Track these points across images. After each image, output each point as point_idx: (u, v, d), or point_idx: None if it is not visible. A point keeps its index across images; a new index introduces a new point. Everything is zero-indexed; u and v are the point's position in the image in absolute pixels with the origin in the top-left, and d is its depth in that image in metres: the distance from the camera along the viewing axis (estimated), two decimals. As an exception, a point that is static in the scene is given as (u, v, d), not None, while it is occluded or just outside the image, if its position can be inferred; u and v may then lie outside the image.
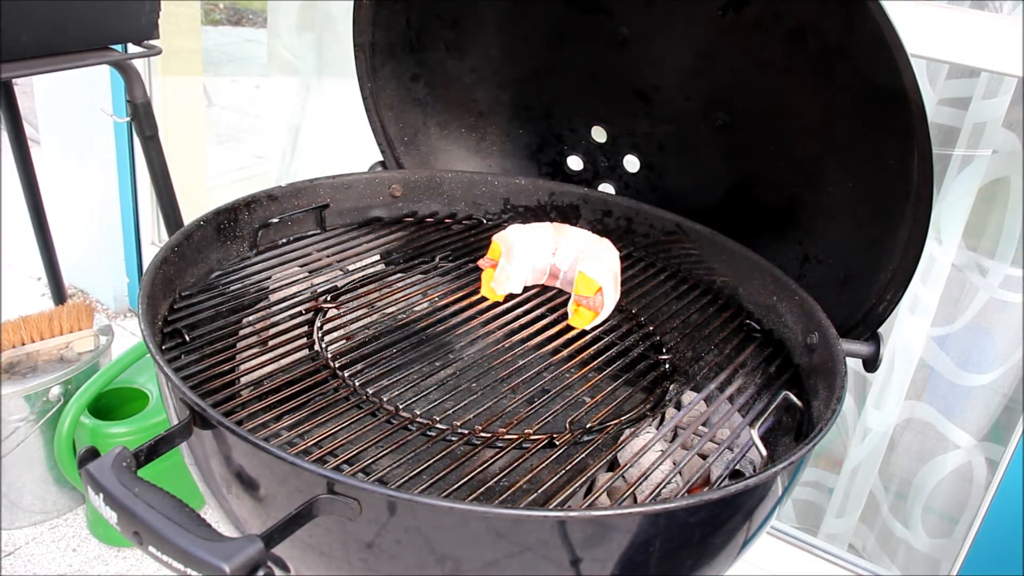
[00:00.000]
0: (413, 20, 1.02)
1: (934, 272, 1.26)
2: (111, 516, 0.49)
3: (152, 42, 1.26)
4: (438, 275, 0.92)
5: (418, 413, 0.69)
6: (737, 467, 0.68)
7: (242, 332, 0.78)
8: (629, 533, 0.54)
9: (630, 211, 1.01)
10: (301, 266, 0.89)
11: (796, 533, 1.43)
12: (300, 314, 0.81)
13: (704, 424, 0.76)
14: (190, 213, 1.04)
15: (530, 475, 0.62)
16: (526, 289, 0.91)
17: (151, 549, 0.48)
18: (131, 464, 0.52)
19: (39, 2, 1.09)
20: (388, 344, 0.77)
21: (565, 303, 0.87)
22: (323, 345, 0.77)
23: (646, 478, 0.65)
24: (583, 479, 0.61)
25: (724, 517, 0.58)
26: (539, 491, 0.60)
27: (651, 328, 0.87)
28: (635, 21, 0.93)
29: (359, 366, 0.74)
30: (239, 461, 0.58)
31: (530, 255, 0.89)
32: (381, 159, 1.12)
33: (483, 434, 0.68)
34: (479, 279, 0.90)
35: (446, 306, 0.85)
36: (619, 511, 0.52)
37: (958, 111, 1.21)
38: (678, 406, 0.78)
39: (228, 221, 0.87)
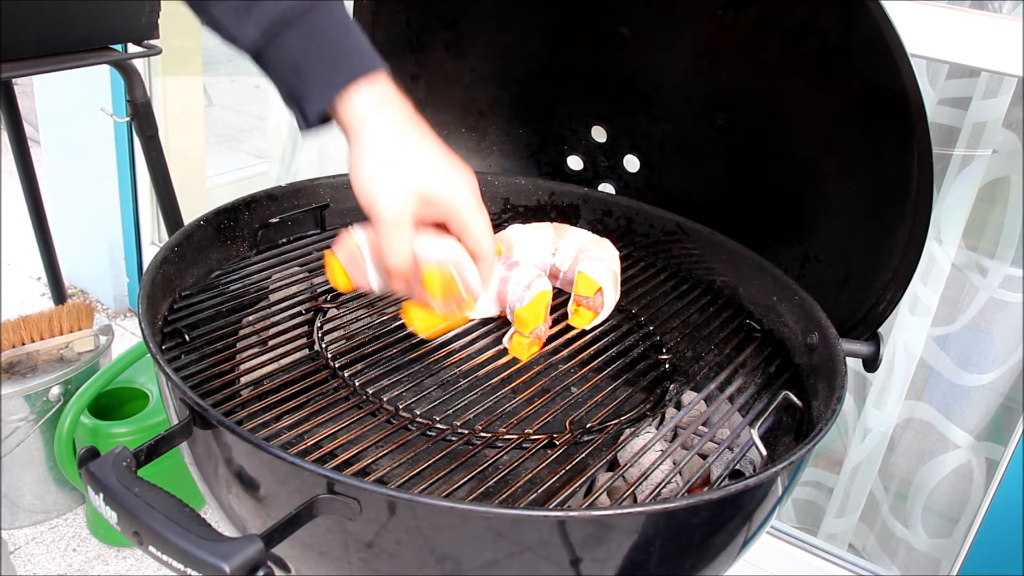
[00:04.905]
0: (413, 20, 1.02)
1: (934, 272, 1.26)
2: (111, 516, 0.49)
3: (152, 42, 1.26)
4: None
5: (418, 413, 0.69)
6: (737, 467, 0.68)
7: (242, 332, 0.78)
8: (629, 533, 0.54)
9: (630, 211, 1.01)
10: (301, 266, 0.89)
11: (796, 533, 1.43)
12: (300, 314, 0.81)
13: (704, 424, 0.76)
14: (190, 213, 1.04)
15: (530, 475, 0.62)
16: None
17: (151, 549, 0.48)
18: (131, 464, 0.52)
19: (39, 2, 1.09)
20: (388, 344, 0.77)
21: (565, 303, 0.87)
22: (323, 345, 0.77)
23: (646, 478, 0.65)
24: (583, 479, 0.61)
25: (724, 517, 0.58)
26: (539, 491, 0.60)
27: (651, 328, 0.87)
28: (635, 21, 0.93)
29: (359, 366, 0.74)
30: (239, 461, 0.58)
31: (530, 255, 0.89)
32: (381, 159, 1.11)
33: (483, 434, 0.68)
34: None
35: (446, 306, 0.85)
36: (619, 511, 0.52)
37: (958, 111, 1.21)
38: (678, 406, 0.78)
39: (228, 221, 0.87)
